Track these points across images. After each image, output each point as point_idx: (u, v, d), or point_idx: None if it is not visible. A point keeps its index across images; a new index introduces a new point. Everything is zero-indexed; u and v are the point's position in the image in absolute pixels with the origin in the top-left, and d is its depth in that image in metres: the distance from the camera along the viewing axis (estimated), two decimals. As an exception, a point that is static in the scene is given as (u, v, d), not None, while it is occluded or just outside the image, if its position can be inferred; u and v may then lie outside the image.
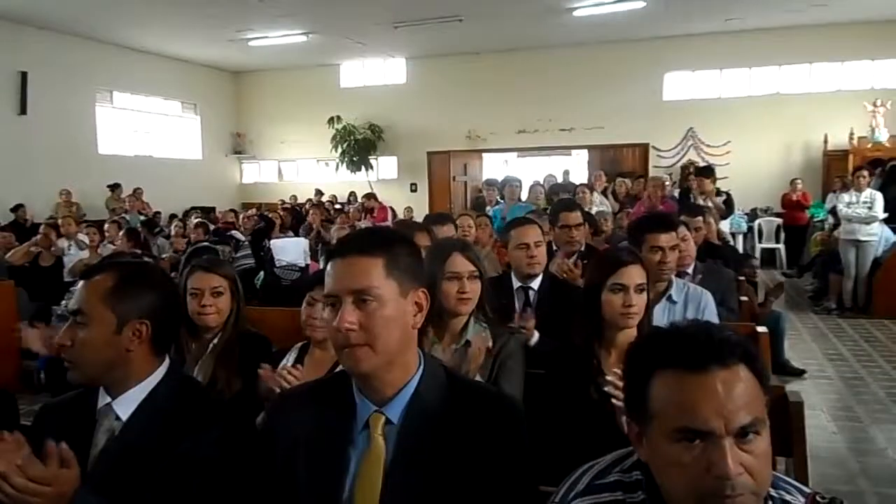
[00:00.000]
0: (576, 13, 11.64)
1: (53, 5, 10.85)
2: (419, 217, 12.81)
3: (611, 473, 1.23)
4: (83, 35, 12.70)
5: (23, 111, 11.87)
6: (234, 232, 8.65)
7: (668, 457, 1.06)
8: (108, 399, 1.55)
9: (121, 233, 7.40)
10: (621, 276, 2.23)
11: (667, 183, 7.72)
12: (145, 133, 15.17)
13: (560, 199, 6.09)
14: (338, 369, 2.25)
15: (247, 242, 8.02)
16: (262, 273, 7.36)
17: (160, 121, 15.61)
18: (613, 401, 1.98)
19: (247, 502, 1.42)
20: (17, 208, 11.18)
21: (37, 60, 11.94)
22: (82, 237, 7.33)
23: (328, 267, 1.36)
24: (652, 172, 12.95)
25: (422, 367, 1.39)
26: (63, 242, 7.18)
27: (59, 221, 7.75)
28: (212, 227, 9.01)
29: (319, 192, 15.54)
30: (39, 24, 11.84)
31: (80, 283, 1.58)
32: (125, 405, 1.55)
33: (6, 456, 1.26)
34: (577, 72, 14.11)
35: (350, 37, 13.32)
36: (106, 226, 7.89)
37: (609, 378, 1.99)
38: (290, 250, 7.45)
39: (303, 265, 7.30)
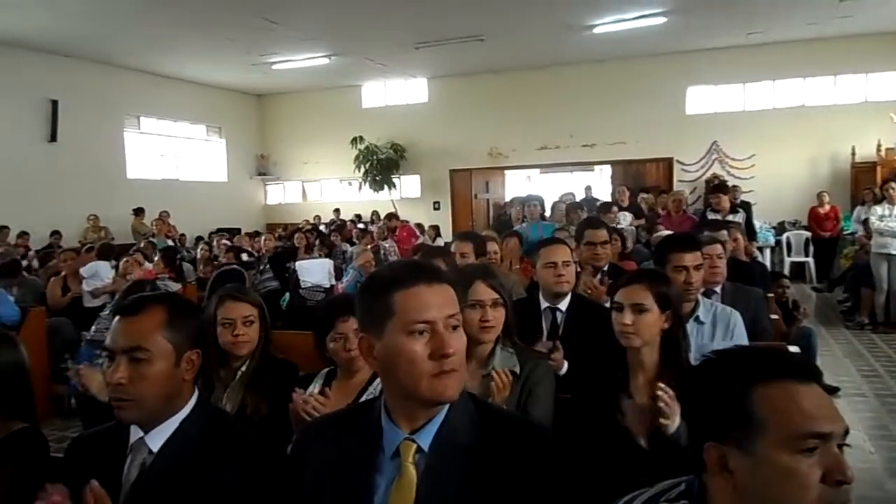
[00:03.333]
0: (596, 30, 11.65)
1: (82, 34, 11.10)
2: (446, 234, 12.92)
3: (658, 503, 1.22)
4: (111, 63, 12.98)
5: (53, 138, 12.13)
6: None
7: (783, 469, 1.06)
8: (141, 434, 1.56)
9: (157, 257, 7.43)
10: (620, 295, 2.25)
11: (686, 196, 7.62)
12: (173, 157, 15.42)
13: (587, 217, 6.06)
14: (364, 398, 2.27)
15: (267, 265, 8.03)
16: (287, 294, 7.40)
17: (186, 144, 15.86)
18: (661, 420, 1.97)
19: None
20: (53, 234, 11.47)
21: (67, 88, 12.21)
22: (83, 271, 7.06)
23: (407, 295, 1.30)
24: (676, 187, 12.89)
25: None
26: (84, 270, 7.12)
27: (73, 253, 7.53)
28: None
29: (337, 211, 15.68)
30: (69, 53, 12.12)
31: (121, 318, 1.56)
32: (158, 438, 1.55)
33: None
34: (599, 87, 14.10)
35: (372, 58, 13.46)
36: (123, 262, 7.09)
37: (659, 393, 1.98)
38: (314, 271, 7.49)
39: (327, 286, 7.33)
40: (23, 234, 10.87)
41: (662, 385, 2.00)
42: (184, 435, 1.56)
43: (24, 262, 8.70)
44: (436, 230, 12.74)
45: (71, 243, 10.50)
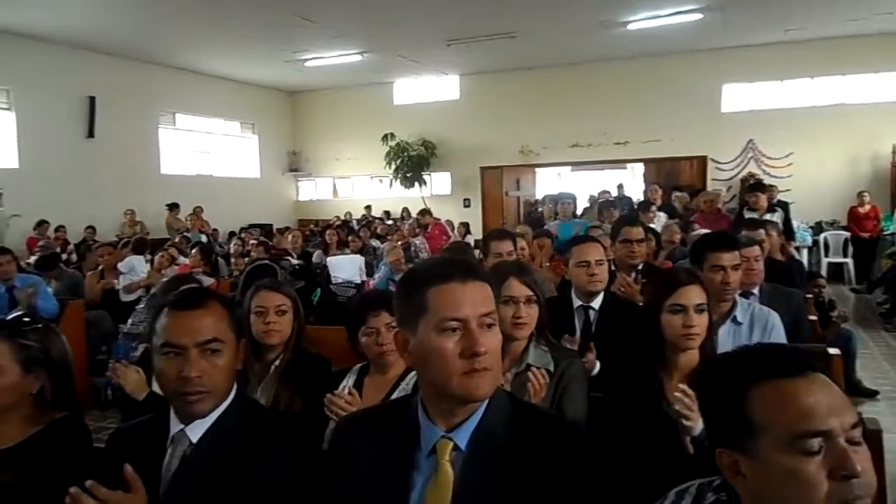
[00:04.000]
0: (630, 27, 11.54)
1: (120, 32, 11.31)
2: (476, 231, 12.89)
3: (704, 498, 1.22)
4: (148, 60, 13.20)
5: (90, 134, 12.36)
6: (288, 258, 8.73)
7: (788, 470, 1.03)
8: (181, 426, 1.56)
9: (193, 251, 7.51)
10: (680, 297, 2.18)
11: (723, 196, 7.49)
12: (206, 153, 15.62)
13: (624, 214, 6.00)
14: (396, 394, 2.27)
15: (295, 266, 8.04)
16: (318, 290, 7.44)
17: (220, 141, 16.06)
18: (684, 421, 1.93)
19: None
20: (87, 229, 11.66)
21: (104, 85, 12.43)
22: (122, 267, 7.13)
23: (440, 291, 1.28)
24: (710, 186, 12.71)
25: None
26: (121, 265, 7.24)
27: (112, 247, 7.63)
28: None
29: (368, 208, 15.76)
30: (107, 51, 12.34)
31: (186, 313, 1.55)
32: (199, 429, 1.56)
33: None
34: (632, 85, 13.94)
35: (404, 55, 13.48)
36: (158, 256, 7.46)
37: (677, 395, 1.94)
38: (345, 267, 7.54)
39: (358, 282, 7.37)
40: (60, 228, 11.09)
41: (683, 386, 1.97)
42: (222, 427, 1.56)
43: (63, 256, 8.88)
44: (466, 227, 12.73)
45: (107, 237, 10.68)
